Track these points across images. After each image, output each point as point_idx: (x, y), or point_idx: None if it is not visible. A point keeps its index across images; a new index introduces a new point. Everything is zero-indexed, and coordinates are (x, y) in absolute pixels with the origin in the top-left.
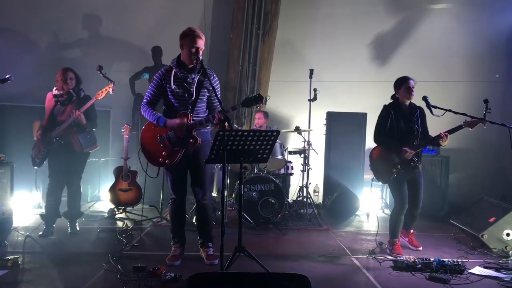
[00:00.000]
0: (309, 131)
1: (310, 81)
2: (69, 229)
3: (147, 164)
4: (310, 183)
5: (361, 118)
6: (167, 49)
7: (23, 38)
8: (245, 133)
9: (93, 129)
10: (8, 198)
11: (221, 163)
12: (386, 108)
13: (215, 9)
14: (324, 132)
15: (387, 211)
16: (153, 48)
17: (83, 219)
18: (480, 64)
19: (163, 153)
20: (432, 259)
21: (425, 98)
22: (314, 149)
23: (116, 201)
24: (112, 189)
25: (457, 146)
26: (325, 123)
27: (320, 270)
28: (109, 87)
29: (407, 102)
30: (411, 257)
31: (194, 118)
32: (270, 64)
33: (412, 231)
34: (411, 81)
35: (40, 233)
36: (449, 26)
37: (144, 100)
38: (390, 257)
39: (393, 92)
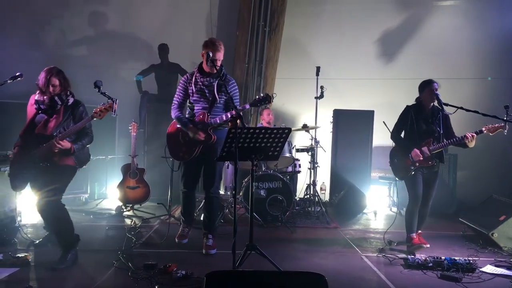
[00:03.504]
0: (315, 129)
1: (317, 79)
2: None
3: (179, 164)
4: (317, 181)
5: (368, 115)
6: (174, 47)
7: (30, 35)
8: (257, 131)
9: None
10: (15, 196)
11: (232, 160)
12: (407, 108)
13: (221, 6)
14: (331, 130)
15: (395, 209)
16: (160, 46)
17: (91, 216)
18: (488, 61)
19: (183, 148)
20: (443, 257)
21: (436, 96)
22: (322, 147)
23: (124, 198)
24: (120, 187)
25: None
26: (331, 120)
27: (330, 268)
28: (110, 106)
29: (430, 105)
30: (422, 255)
31: (212, 118)
32: (276, 61)
33: (419, 231)
34: (435, 84)
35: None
36: (456, 23)
37: (174, 103)
38: (400, 255)
39: (400, 90)
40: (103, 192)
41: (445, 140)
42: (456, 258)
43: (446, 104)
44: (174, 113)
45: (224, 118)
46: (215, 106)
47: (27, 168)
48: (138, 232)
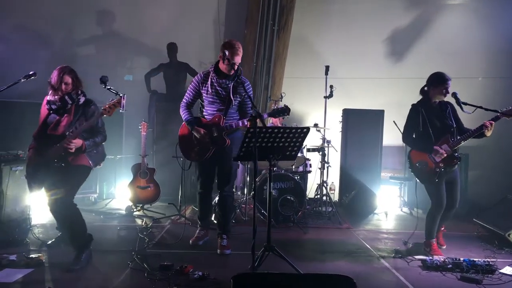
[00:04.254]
0: (324, 129)
1: (326, 78)
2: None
3: (190, 163)
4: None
5: (378, 115)
6: (181, 46)
7: (37, 34)
8: (275, 130)
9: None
10: (27, 195)
11: (250, 160)
12: (414, 107)
13: (229, 4)
14: (340, 130)
15: (405, 209)
16: (169, 45)
17: (101, 217)
18: (498, 60)
19: (195, 149)
20: (461, 259)
21: (454, 95)
22: (333, 146)
23: (135, 198)
24: (131, 187)
25: (476, 143)
26: (341, 120)
27: (348, 270)
28: (118, 102)
29: (437, 100)
30: (440, 257)
31: (227, 120)
32: (284, 60)
33: (442, 228)
34: (449, 83)
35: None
36: (466, 22)
37: (183, 101)
38: (417, 257)
39: (410, 89)
40: (111, 192)
41: (463, 134)
42: (475, 259)
43: (465, 103)
44: (181, 112)
45: (240, 124)
46: (230, 108)
47: (42, 169)
48: (150, 232)
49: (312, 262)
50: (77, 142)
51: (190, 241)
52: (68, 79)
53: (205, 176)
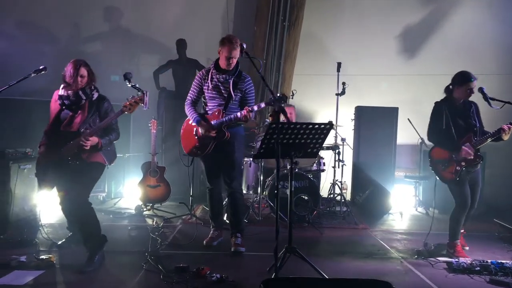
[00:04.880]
0: (336, 127)
1: (338, 75)
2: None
3: (192, 159)
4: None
5: (392, 112)
6: (189, 43)
7: (43, 31)
8: (297, 126)
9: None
10: (35, 194)
11: (272, 157)
12: (438, 105)
13: (237, 1)
14: (353, 128)
15: (420, 209)
16: (178, 41)
17: (111, 216)
18: None
19: (197, 144)
20: (489, 261)
21: (481, 90)
22: (348, 145)
23: (145, 197)
24: (141, 186)
25: (490, 143)
26: (353, 118)
27: (371, 272)
28: (140, 99)
29: (462, 99)
30: (467, 259)
31: (226, 116)
32: (294, 57)
33: (462, 230)
34: (474, 82)
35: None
36: (480, 18)
37: (188, 99)
38: (442, 259)
39: (423, 87)
40: (119, 191)
41: (483, 135)
42: (502, 261)
43: (493, 99)
44: (186, 109)
45: (239, 115)
46: (230, 104)
47: (55, 167)
48: (162, 232)
49: (332, 264)
50: (93, 140)
51: (204, 242)
52: (84, 72)
53: (210, 171)
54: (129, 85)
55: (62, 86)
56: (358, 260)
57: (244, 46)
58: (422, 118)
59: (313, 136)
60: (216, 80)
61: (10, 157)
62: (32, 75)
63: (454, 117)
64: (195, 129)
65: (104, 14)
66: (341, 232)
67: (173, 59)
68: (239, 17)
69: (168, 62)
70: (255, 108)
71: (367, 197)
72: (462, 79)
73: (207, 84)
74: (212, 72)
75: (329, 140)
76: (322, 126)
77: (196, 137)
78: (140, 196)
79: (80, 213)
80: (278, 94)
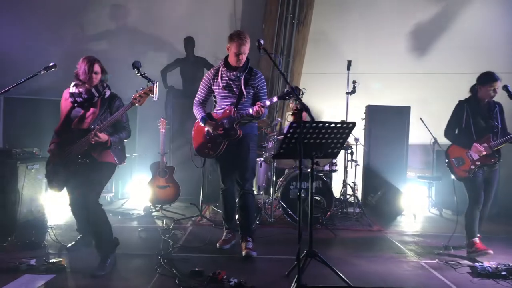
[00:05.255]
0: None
1: (348, 73)
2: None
3: (204, 160)
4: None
5: (404, 111)
6: (196, 41)
7: (48, 29)
8: (319, 125)
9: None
10: (43, 195)
11: (292, 157)
12: (460, 103)
13: None
14: (363, 127)
15: (433, 211)
16: (186, 39)
17: (119, 217)
18: None
19: (208, 144)
20: None
21: (506, 88)
22: (362, 144)
23: (154, 198)
24: (149, 186)
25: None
26: (363, 117)
27: (393, 277)
28: (150, 90)
29: (486, 100)
30: (492, 262)
31: (239, 113)
32: (303, 55)
33: (478, 235)
34: (498, 83)
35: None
36: (493, 15)
37: (196, 99)
38: (464, 262)
39: (434, 85)
40: (126, 191)
41: (505, 136)
42: None
43: None
44: (194, 110)
45: (250, 111)
46: (242, 101)
47: (65, 167)
48: (173, 234)
49: (351, 268)
50: (103, 137)
51: (217, 245)
52: (98, 68)
53: (224, 172)
54: (138, 74)
55: (73, 84)
56: (378, 264)
57: (262, 42)
58: (432, 117)
59: (335, 135)
60: (226, 78)
61: (17, 157)
62: (42, 72)
63: (475, 116)
64: (206, 129)
65: (110, 12)
66: (356, 234)
67: (181, 57)
68: (246, 15)
69: (175, 60)
70: (267, 102)
71: (379, 198)
72: (486, 79)
73: (217, 84)
74: (221, 71)
75: None
76: (345, 125)
77: (207, 137)
78: (149, 196)
79: (91, 215)
80: (286, 89)
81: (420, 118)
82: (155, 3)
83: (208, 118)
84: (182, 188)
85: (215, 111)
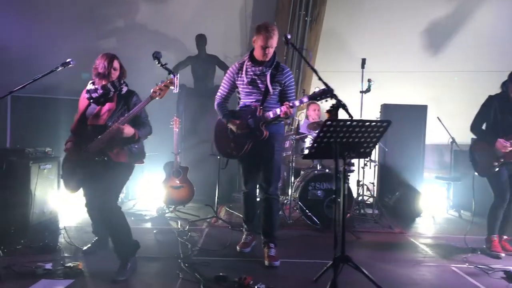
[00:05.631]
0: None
1: (362, 71)
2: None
3: (227, 161)
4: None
5: (421, 110)
6: (207, 38)
7: (57, 26)
8: (353, 123)
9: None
10: (55, 196)
11: (324, 158)
12: (490, 98)
13: None
14: None
15: (452, 212)
16: (197, 36)
17: (132, 218)
18: None
19: (231, 144)
20: None
21: None
22: (381, 144)
23: (168, 198)
24: (163, 186)
25: None
26: (378, 116)
27: (426, 282)
28: (170, 82)
29: None
30: None
31: (265, 112)
32: (315, 53)
33: (505, 237)
34: None
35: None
36: (508, 13)
37: (218, 95)
38: (495, 266)
39: (450, 84)
40: (137, 191)
41: None
42: None
43: None
44: (216, 106)
45: (278, 112)
46: (268, 98)
47: (82, 165)
48: (190, 236)
49: (380, 273)
50: (128, 130)
51: (238, 248)
52: (117, 64)
53: (247, 173)
54: (158, 65)
55: (90, 82)
56: (407, 268)
57: (289, 36)
58: (447, 116)
59: (368, 134)
60: (251, 73)
61: (30, 157)
62: (59, 68)
63: (503, 112)
64: (228, 128)
65: (119, 10)
66: (377, 236)
67: (192, 55)
68: (257, 11)
69: (187, 58)
70: (297, 103)
71: (398, 199)
72: None
73: (241, 79)
74: (246, 65)
75: None
76: (379, 123)
77: (230, 137)
78: (162, 197)
79: (109, 218)
80: (323, 87)
81: (438, 118)
82: (165, 0)
83: (231, 116)
84: (198, 189)
85: (238, 108)
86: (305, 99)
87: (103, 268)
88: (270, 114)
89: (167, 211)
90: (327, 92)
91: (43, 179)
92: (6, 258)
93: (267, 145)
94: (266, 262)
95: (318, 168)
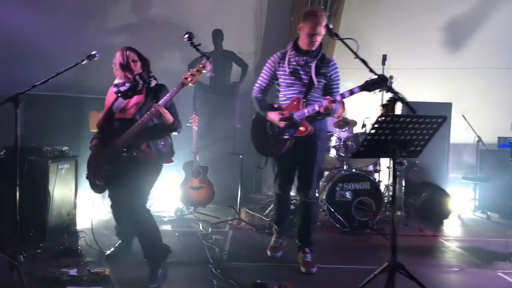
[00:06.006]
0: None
1: (383, 68)
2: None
3: (266, 160)
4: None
5: (444, 108)
6: None
7: (68, 22)
8: (407, 119)
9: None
10: (73, 197)
11: (374, 157)
12: None
13: None
14: None
15: (479, 214)
16: (214, 32)
17: None
18: None
19: (271, 141)
20: None
21: None
22: None
23: (187, 199)
24: (182, 187)
25: None
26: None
27: None
28: (203, 66)
29: None
30: None
31: (308, 106)
32: (333, 49)
33: None
34: None
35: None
36: None
37: (255, 87)
38: None
39: (472, 81)
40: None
41: None
42: None
43: None
44: (254, 97)
45: (317, 108)
46: (312, 91)
47: (109, 163)
48: (215, 240)
49: (428, 280)
50: (168, 116)
51: (268, 252)
52: (135, 56)
53: (283, 173)
54: (191, 47)
55: (117, 76)
56: (451, 274)
57: (331, 26)
58: (471, 114)
59: (421, 131)
60: (295, 63)
61: (48, 155)
62: (85, 61)
63: None
64: (268, 123)
65: (132, 5)
66: (409, 240)
67: (208, 51)
68: (273, 7)
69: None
70: (347, 94)
71: (425, 201)
72: None
73: (283, 69)
74: (290, 54)
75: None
76: (434, 119)
77: (269, 132)
78: (181, 198)
79: (139, 220)
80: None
81: (463, 116)
82: None
83: (269, 108)
84: (218, 189)
85: (278, 101)
86: (357, 90)
87: (131, 274)
88: (315, 107)
89: (186, 212)
90: (383, 80)
91: (61, 179)
92: (27, 263)
93: (310, 143)
94: (303, 269)
95: (344, 168)
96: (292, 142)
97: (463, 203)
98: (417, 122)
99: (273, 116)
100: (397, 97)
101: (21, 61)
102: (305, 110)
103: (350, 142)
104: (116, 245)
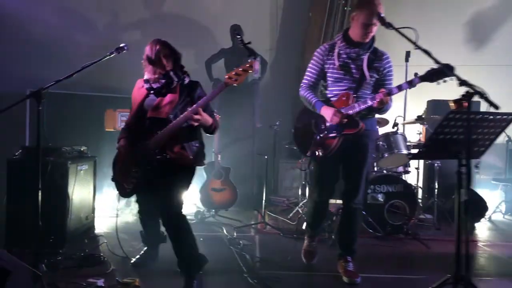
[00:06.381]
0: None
1: (406, 65)
2: None
3: (309, 161)
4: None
5: (472, 107)
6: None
7: (79, 17)
8: (477, 117)
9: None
10: (92, 200)
11: (438, 158)
12: None
13: None
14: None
15: (508, 217)
16: (232, 27)
17: None
18: None
19: (317, 141)
20: None
21: None
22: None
23: (208, 202)
24: (204, 189)
25: None
26: (422, 113)
27: None
28: (250, 66)
29: None
30: None
31: (360, 102)
32: None
33: None
34: None
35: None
36: None
37: (303, 83)
38: None
39: (496, 78)
40: None
41: None
42: None
43: None
44: (303, 94)
45: (370, 102)
46: (363, 87)
47: (139, 165)
48: (242, 245)
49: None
50: (207, 118)
51: (304, 259)
52: (165, 50)
53: (325, 182)
54: (240, 44)
55: (146, 71)
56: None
57: (382, 15)
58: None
59: (488, 130)
60: (345, 55)
61: (67, 156)
62: (114, 54)
63: None
64: (313, 121)
65: (145, 0)
66: (447, 245)
67: (226, 47)
68: (289, 2)
69: (220, 50)
70: (395, 90)
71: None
72: None
73: (331, 62)
74: (339, 46)
75: (413, 138)
76: (503, 117)
77: (315, 132)
78: (202, 200)
79: (176, 227)
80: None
81: None
82: None
83: (324, 103)
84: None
85: (327, 98)
86: (417, 80)
87: (162, 284)
88: (368, 102)
89: (207, 215)
90: (449, 69)
91: (80, 181)
92: (49, 273)
93: (359, 144)
94: (346, 279)
95: (376, 170)
96: (340, 141)
97: (493, 205)
98: (484, 120)
99: (327, 111)
100: (474, 91)
101: (30, 58)
102: (356, 105)
103: (381, 142)
104: (142, 252)
